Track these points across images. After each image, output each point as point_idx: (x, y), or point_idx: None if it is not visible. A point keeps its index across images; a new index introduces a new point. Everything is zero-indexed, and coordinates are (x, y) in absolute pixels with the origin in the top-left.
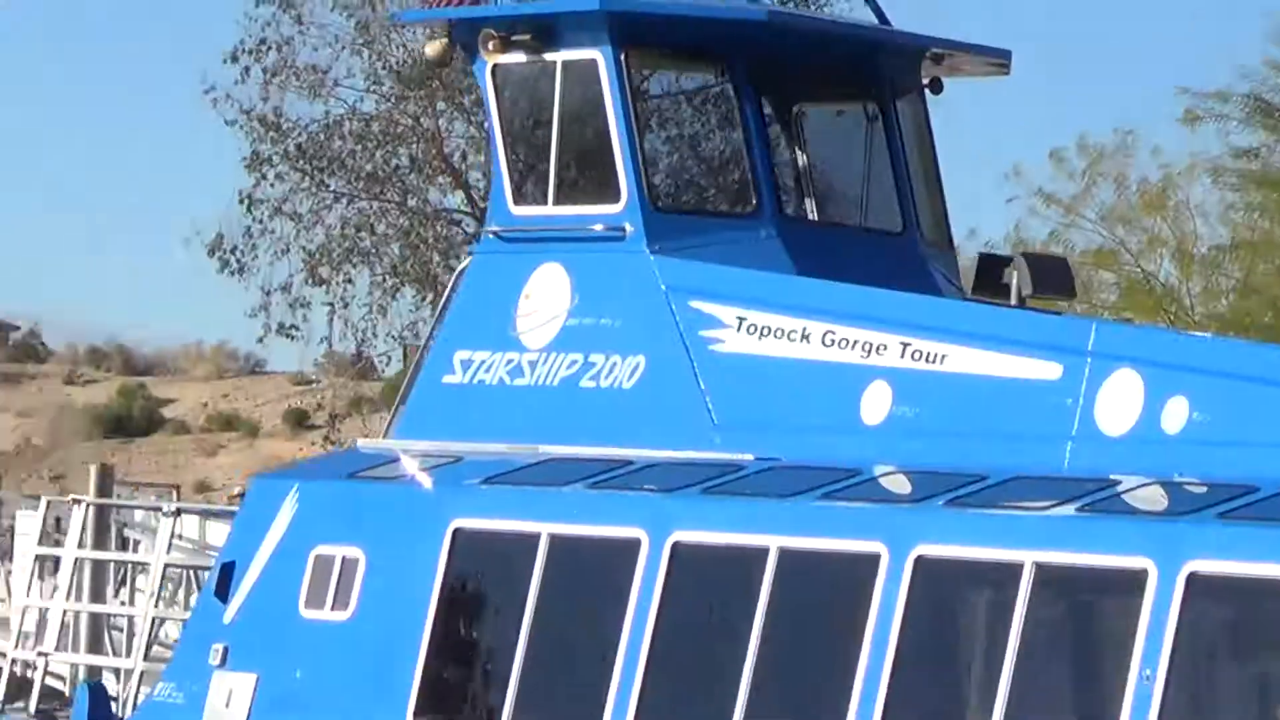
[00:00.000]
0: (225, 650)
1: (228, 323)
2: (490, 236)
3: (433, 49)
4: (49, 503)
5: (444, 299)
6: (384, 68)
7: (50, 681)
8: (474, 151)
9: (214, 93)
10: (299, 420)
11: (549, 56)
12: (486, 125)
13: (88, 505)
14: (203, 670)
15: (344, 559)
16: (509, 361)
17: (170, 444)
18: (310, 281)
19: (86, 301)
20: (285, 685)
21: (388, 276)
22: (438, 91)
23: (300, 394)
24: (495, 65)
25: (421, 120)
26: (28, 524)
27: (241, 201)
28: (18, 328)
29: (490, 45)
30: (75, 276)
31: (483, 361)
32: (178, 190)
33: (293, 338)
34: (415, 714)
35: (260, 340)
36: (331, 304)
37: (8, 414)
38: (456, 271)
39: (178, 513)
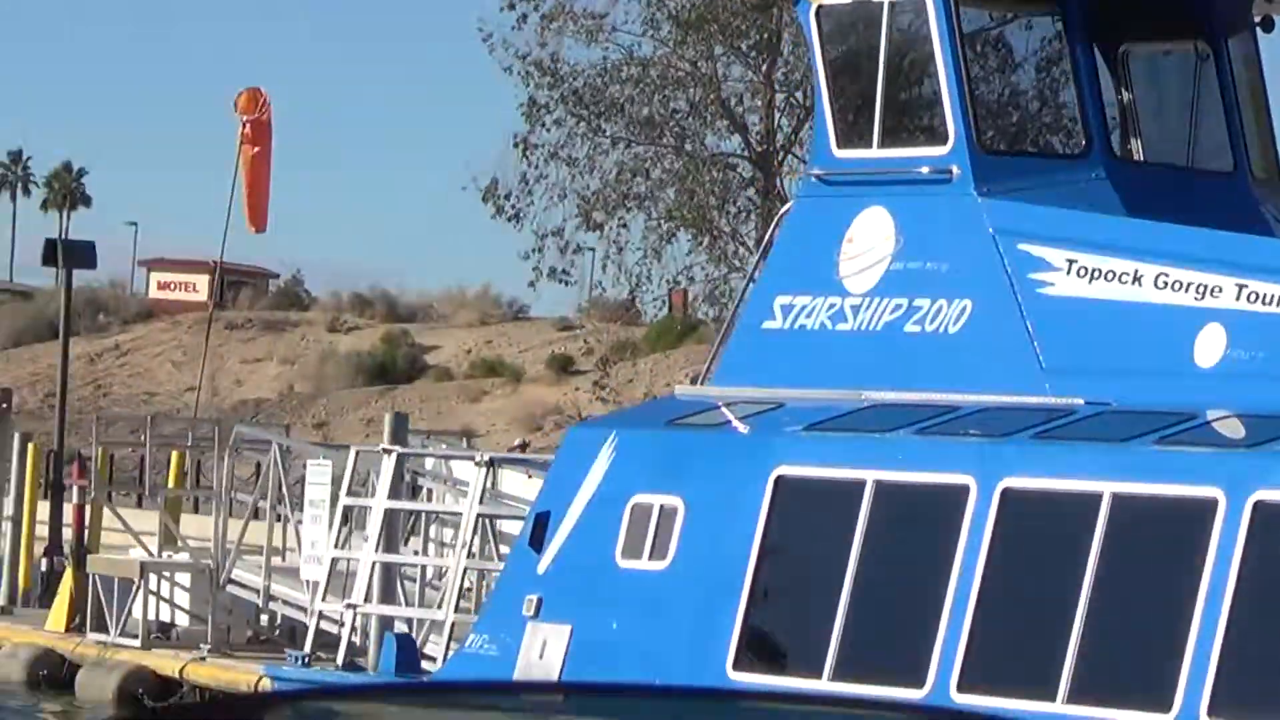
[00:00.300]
0: (539, 601)
1: (490, 268)
2: (812, 179)
3: None
4: (357, 453)
5: (764, 243)
6: (662, 13)
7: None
8: (750, 95)
9: (491, 40)
10: (563, 366)
11: None
12: (810, 67)
13: (397, 455)
14: (516, 621)
15: (662, 508)
16: (831, 306)
17: (434, 391)
18: (584, 226)
19: (350, 248)
20: (600, 636)
21: (662, 221)
22: (715, 36)
23: (564, 339)
24: (820, 6)
25: (699, 65)
26: (318, 473)
27: (516, 145)
28: (277, 275)
29: None
30: (340, 223)
31: (804, 306)
32: (451, 136)
33: (566, 283)
34: (734, 665)
35: (532, 285)
36: (606, 250)
37: (271, 362)
38: (778, 216)
39: (490, 463)
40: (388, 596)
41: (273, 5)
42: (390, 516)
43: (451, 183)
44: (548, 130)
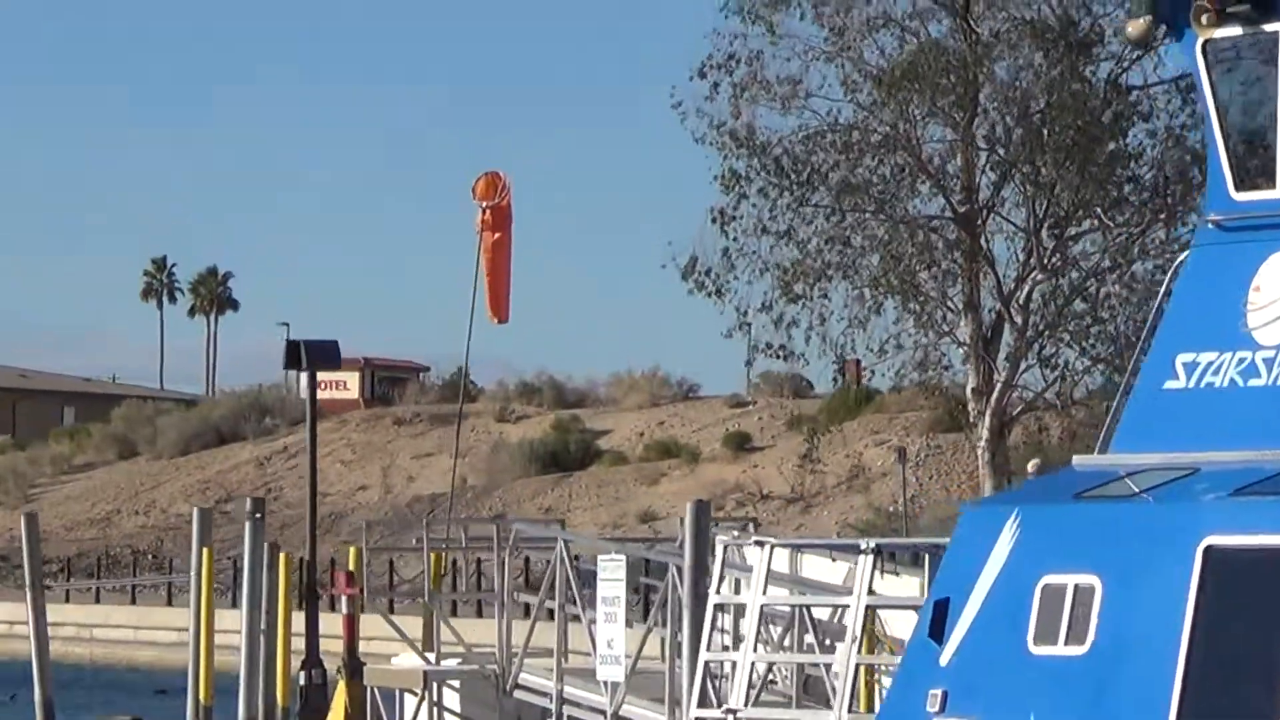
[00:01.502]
0: (944, 695)
1: (658, 348)
2: (1209, 226)
3: (1134, 27)
4: (725, 546)
5: (1158, 299)
6: (861, 73)
7: None
8: (950, 154)
9: (682, 108)
10: (740, 443)
11: (1269, 27)
12: (1199, 106)
13: (771, 547)
14: (919, 718)
15: (1077, 587)
16: (1241, 361)
17: (609, 475)
18: (785, 299)
19: (511, 336)
20: None
21: (866, 289)
22: (917, 95)
23: (738, 416)
24: (1207, 40)
25: (900, 126)
26: (611, 569)
27: (714, 221)
28: (428, 368)
29: (1203, 19)
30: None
31: (1210, 363)
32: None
33: (782, 357)
34: None
35: (748, 363)
36: (809, 322)
37: (442, 455)
38: (1171, 268)
39: (878, 551)
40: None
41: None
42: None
43: (619, 264)
44: (752, 203)
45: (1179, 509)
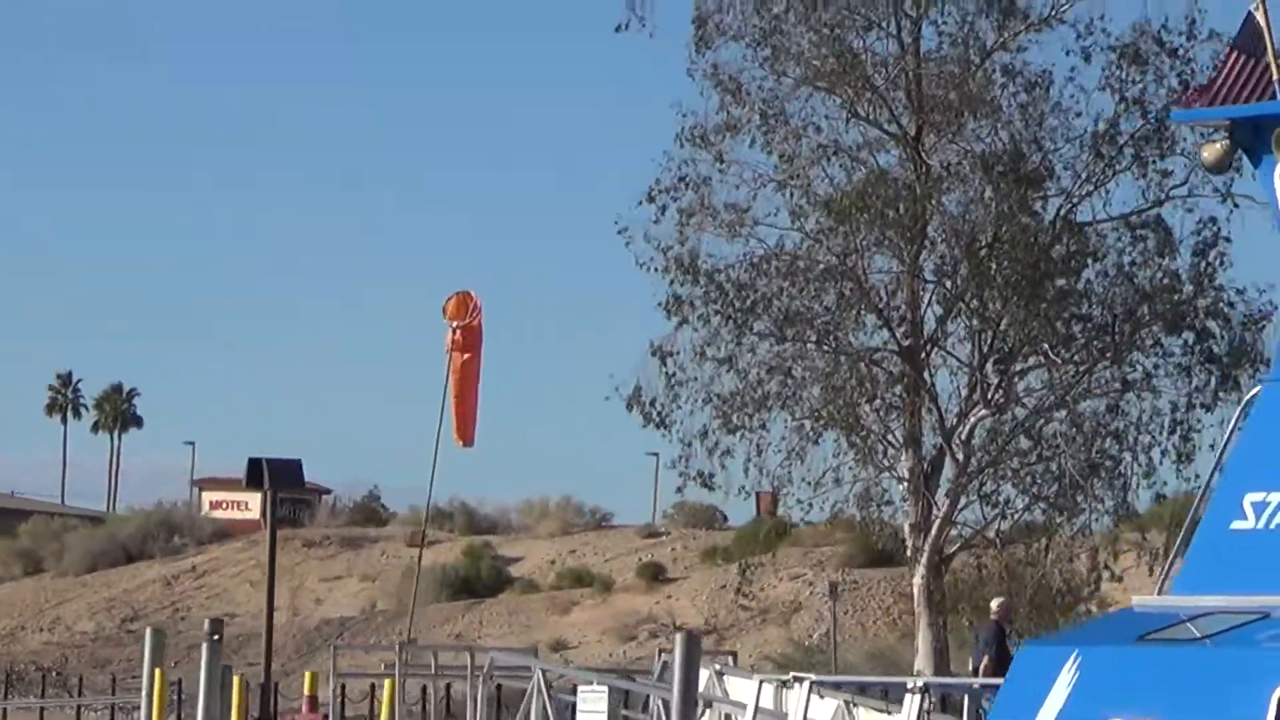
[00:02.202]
0: None
1: (568, 477)
2: None
3: (1210, 152)
4: (761, 683)
5: (1225, 438)
6: (809, 201)
7: None
8: (897, 288)
9: (628, 233)
10: (654, 574)
11: None
12: (1275, 229)
13: (810, 684)
14: None
15: None
16: None
17: (521, 603)
18: (724, 429)
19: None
20: None
21: (806, 421)
22: (865, 224)
23: (651, 546)
24: None
25: (846, 256)
26: (592, 700)
27: (654, 354)
28: (329, 491)
29: None
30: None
31: None
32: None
33: (712, 488)
34: None
35: (679, 490)
36: (747, 453)
37: (351, 579)
38: (1240, 405)
39: (925, 690)
40: None
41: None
42: None
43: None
44: (694, 329)
45: (1250, 656)
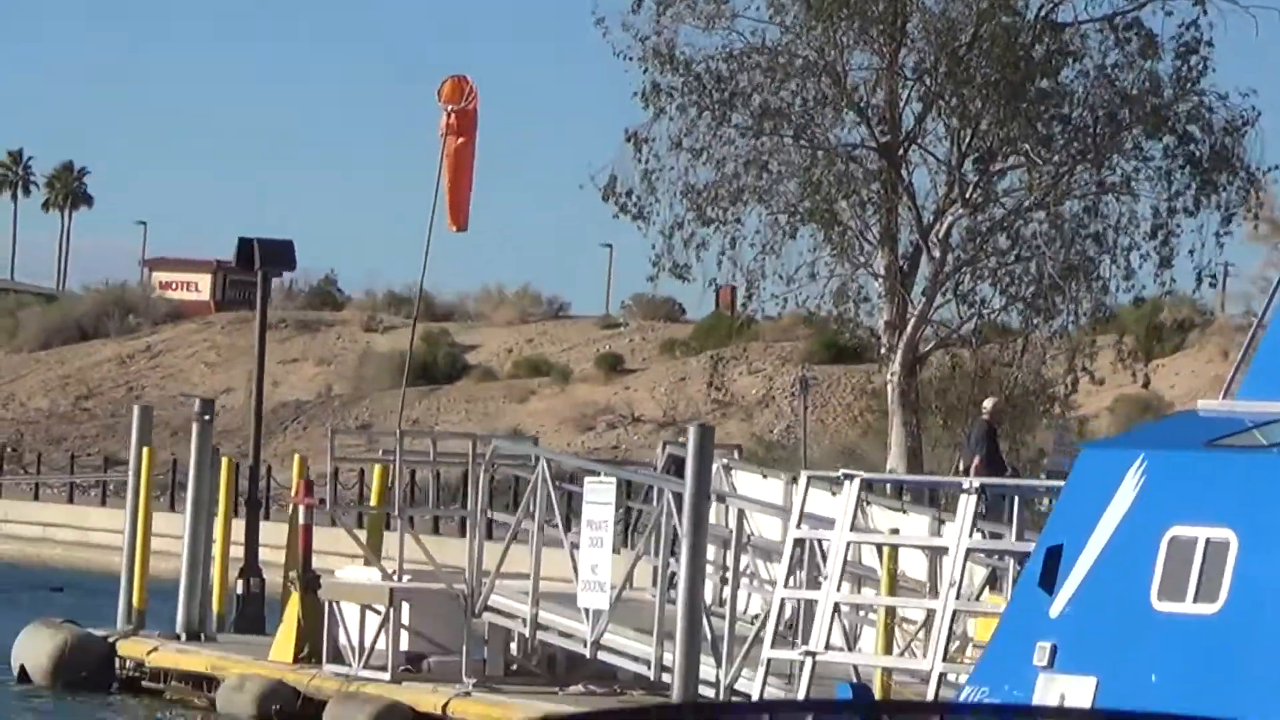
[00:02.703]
0: (1054, 649)
1: (529, 266)
2: None
3: None
4: (810, 479)
5: None
6: None
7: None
8: (876, 85)
9: (605, 22)
10: (613, 365)
11: None
12: None
13: (859, 481)
14: (1024, 672)
15: (1209, 541)
16: None
17: (479, 391)
18: (699, 221)
19: (380, 248)
20: (1135, 690)
21: (780, 216)
22: (844, 20)
23: (608, 338)
24: None
25: (825, 51)
26: (599, 492)
27: (629, 141)
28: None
29: None
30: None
31: None
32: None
33: (687, 279)
34: None
35: (651, 280)
36: (721, 246)
37: (307, 362)
38: None
39: (982, 491)
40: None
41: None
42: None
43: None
44: (671, 119)
45: None
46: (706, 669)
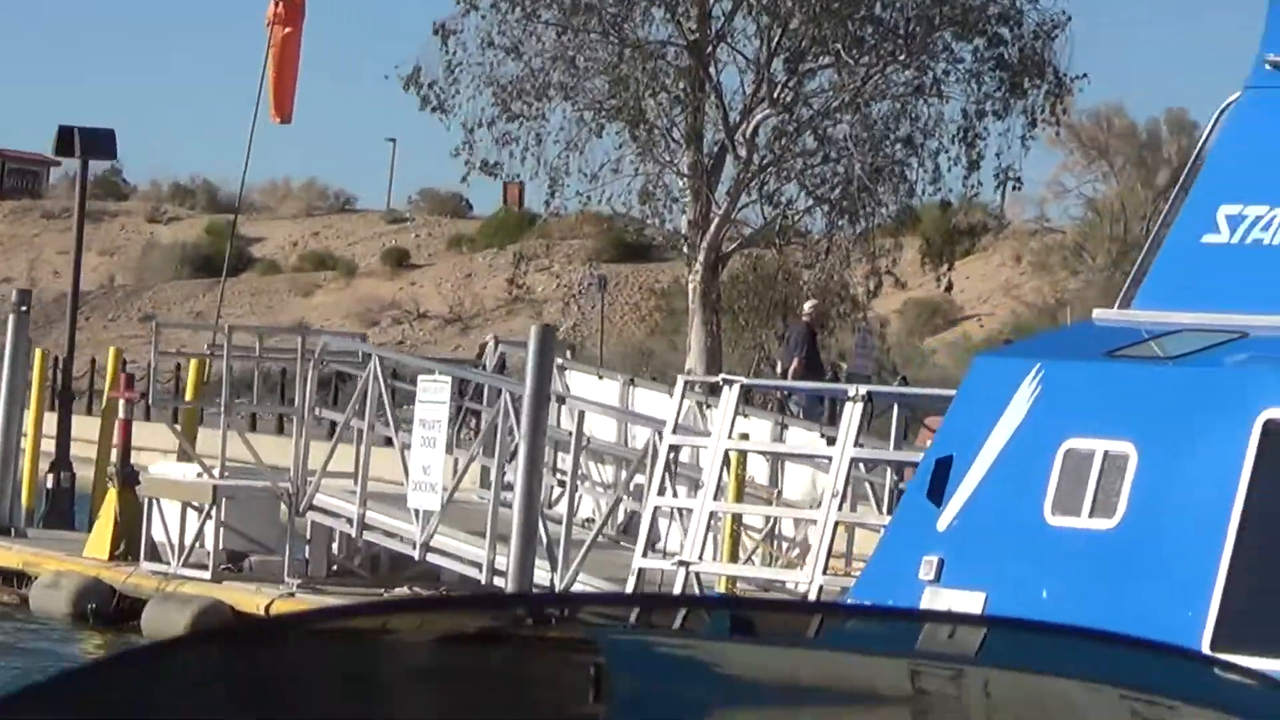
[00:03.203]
0: (940, 562)
1: (316, 160)
2: (1267, 68)
3: None
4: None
5: (1199, 145)
6: None
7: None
8: None
9: None
10: (399, 260)
11: None
12: None
13: (739, 386)
14: (909, 586)
15: (1106, 454)
16: None
17: (263, 284)
18: (505, 116)
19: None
20: (1025, 607)
21: (588, 113)
22: None
23: (394, 233)
24: None
25: None
26: (434, 390)
27: (436, 33)
28: (59, 162)
29: None
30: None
31: (1259, 217)
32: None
33: (496, 175)
34: (1212, 644)
35: (464, 179)
36: (525, 142)
37: (90, 253)
38: (1217, 111)
39: (869, 399)
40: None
41: None
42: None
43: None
44: (482, 15)
45: (1234, 376)
46: (540, 574)
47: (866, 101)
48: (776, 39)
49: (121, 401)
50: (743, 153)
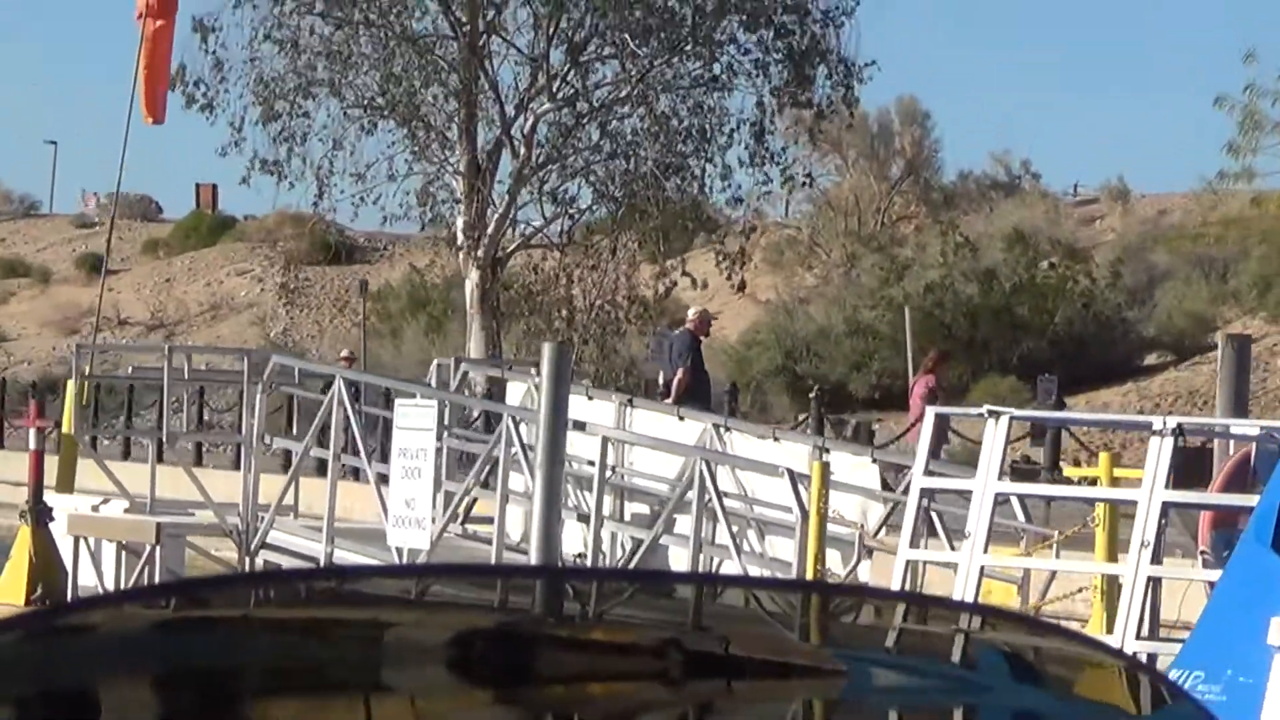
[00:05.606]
0: None
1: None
2: None
3: None
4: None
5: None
6: None
7: None
8: None
9: None
10: (95, 266)
11: None
12: None
13: (1011, 420)
14: (1254, 652)
15: None
16: None
17: None
18: (265, 116)
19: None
20: None
21: (353, 110)
22: None
23: (86, 237)
24: None
25: None
26: (416, 416)
27: (195, 30)
28: None
29: None
30: None
31: None
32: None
33: (280, 176)
34: None
35: (244, 181)
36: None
37: None
38: None
39: (1180, 431)
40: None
41: None
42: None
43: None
44: (254, 6)
45: None
46: None
47: (652, 94)
48: (553, 29)
49: (32, 431)
50: (522, 149)
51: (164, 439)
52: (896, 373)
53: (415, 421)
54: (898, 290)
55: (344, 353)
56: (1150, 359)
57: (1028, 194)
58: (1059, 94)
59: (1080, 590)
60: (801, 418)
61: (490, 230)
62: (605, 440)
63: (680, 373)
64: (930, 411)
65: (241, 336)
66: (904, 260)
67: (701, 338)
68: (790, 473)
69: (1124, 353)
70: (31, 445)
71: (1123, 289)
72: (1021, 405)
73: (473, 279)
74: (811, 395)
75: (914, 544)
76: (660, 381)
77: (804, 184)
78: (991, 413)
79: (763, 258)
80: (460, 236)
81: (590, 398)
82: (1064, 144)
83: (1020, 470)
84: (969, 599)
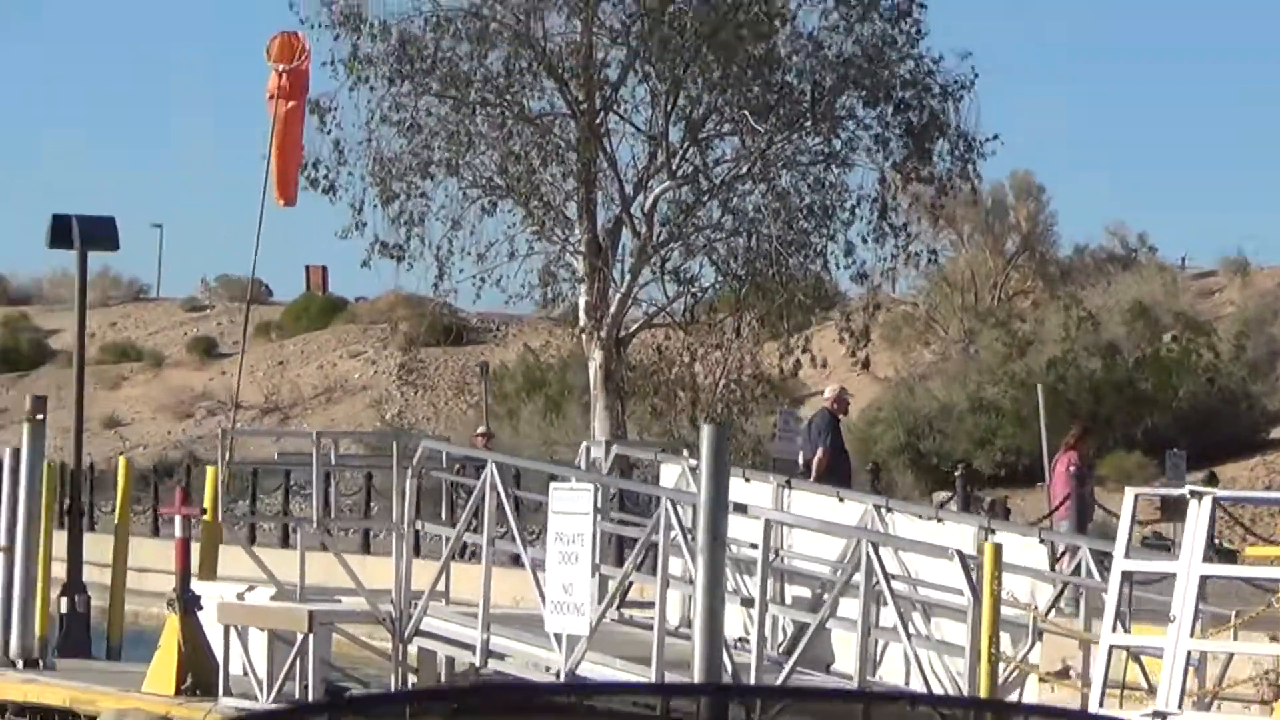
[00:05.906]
0: None
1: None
2: None
3: None
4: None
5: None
6: None
7: None
8: (575, 50)
9: None
10: (206, 349)
11: None
12: None
13: (1215, 501)
14: None
15: None
16: None
17: (66, 377)
18: (382, 197)
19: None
20: None
21: (467, 190)
22: None
23: (194, 320)
24: None
25: (529, 18)
26: (572, 500)
27: (313, 112)
28: None
29: None
30: None
31: None
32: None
33: (401, 259)
34: None
35: (365, 264)
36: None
37: None
38: None
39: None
40: None
41: None
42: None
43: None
44: (374, 88)
45: None
46: None
47: (773, 170)
48: (670, 106)
49: (178, 518)
50: (642, 228)
51: (316, 525)
52: (1021, 449)
53: (571, 505)
54: (1020, 366)
55: (480, 428)
56: (1276, 433)
57: (1144, 267)
58: (1173, 168)
59: (1268, 673)
60: (940, 496)
61: (613, 309)
62: (768, 523)
63: (820, 452)
64: (1130, 492)
65: (356, 419)
66: (1025, 336)
67: (841, 416)
68: (960, 555)
69: (1249, 426)
70: (178, 532)
71: (1245, 362)
72: (1147, 481)
73: (596, 359)
74: (957, 475)
75: (1116, 628)
76: (800, 461)
77: (929, 260)
78: (1194, 494)
79: (880, 334)
80: (583, 317)
81: (747, 479)
82: (1177, 216)
83: (1153, 546)
84: (1176, 683)
